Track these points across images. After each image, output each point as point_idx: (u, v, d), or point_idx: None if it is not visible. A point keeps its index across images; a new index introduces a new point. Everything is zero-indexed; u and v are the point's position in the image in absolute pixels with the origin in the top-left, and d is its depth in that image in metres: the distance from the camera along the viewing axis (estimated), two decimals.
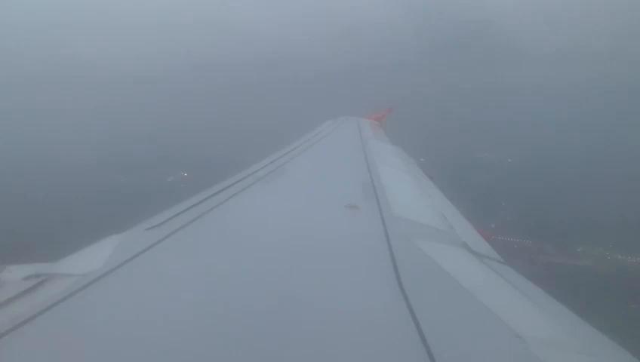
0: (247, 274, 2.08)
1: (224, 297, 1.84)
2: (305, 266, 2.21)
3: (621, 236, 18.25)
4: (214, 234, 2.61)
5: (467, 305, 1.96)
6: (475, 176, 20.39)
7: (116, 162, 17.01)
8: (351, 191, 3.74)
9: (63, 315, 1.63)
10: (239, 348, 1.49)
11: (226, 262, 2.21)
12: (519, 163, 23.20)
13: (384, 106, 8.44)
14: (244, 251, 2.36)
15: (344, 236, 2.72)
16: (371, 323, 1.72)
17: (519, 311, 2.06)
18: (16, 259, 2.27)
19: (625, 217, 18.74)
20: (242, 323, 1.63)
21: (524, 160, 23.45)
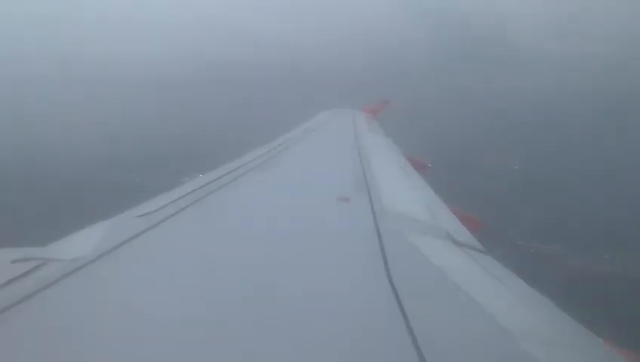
0: (235, 264, 2.09)
1: (211, 287, 1.85)
2: (295, 256, 2.23)
3: None
4: (204, 224, 2.63)
5: (455, 298, 1.98)
6: (485, 180, 20.03)
7: (130, 161, 17.17)
8: (343, 183, 3.77)
9: (49, 301, 1.65)
10: (226, 338, 1.50)
11: (215, 252, 2.23)
12: (530, 168, 22.74)
13: (385, 100, 8.40)
14: (233, 242, 2.38)
15: (335, 228, 2.75)
16: (359, 314, 1.72)
17: (504, 303, 2.10)
18: (8, 244, 2.27)
19: None
20: (229, 314, 1.64)
21: (534, 165, 22.97)
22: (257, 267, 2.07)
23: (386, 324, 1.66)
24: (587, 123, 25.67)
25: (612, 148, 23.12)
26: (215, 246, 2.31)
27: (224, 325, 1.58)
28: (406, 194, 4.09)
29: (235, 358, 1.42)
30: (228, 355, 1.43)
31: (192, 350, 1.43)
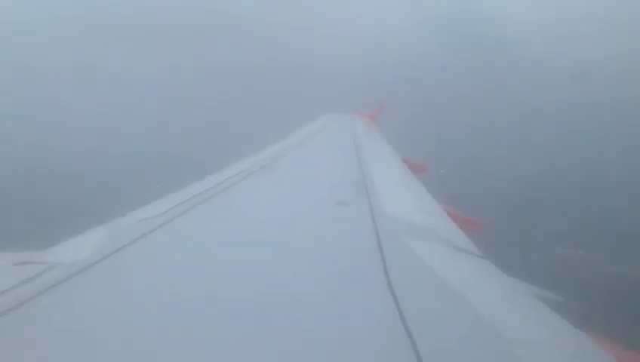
0: (234, 268, 2.10)
1: (211, 291, 1.86)
2: (294, 261, 2.24)
3: None
4: (203, 229, 2.64)
5: (454, 303, 1.98)
6: (501, 187, 19.96)
7: (131, 164, 17.03)
8: (342, 188, 3.76)
9: (48, 305, 1.66)
10: (224, 342, 1.50)
11: (214, 257, 2.24)
12: (545, 174, 22.63)
13: (382, 104, 8.43)
14: (232, 246, 2.39)
15: (334, 233, 2.74)
16: (358, 319, 1.73)
17: (503, 309, 2.11)
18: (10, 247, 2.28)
19: None
20: (228, 317, 1.65)
21: (549, 171, 22.87)
22: (256, 272, 2.08)
23: (384, 330, 1.66)
24: (607, 126, 25.42)
25: (635, 150, 22.76)
26: (214, 251, 2.32)
27: (223, 328, 1.59)
28: (405, 198, 4.09)
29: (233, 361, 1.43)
30: (226, 358, 1.44)
31: (193, 354, 1.44)
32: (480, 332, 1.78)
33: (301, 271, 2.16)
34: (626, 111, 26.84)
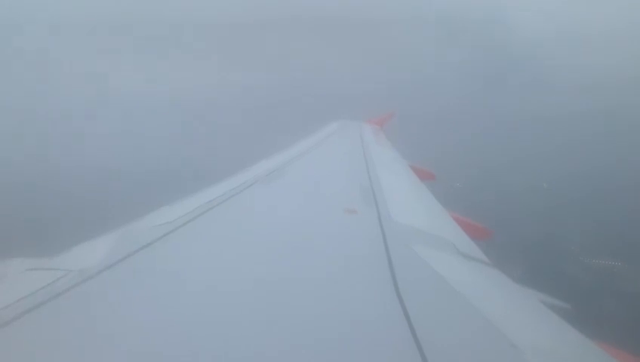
0: (244, 275, 2.11)
1: (221, 297, 1.88)
2: (303, 268, 2.25)
3: None
4: (213, 234, 2.66)
5: (463, 312, 1.98)
6: (522, 199, 19.70)
7: (140, 172, 16.98)
8: (350, 195, 3.78)
9: (61, 310, 1.68)
10: (234, 348, 1.52)
11: (224, 263, 2.26)
12: (559, 186, 22.24)
13: (391, 112, 8.47)
14: (241, 253, 2.40)
15: (342, 240, 2.75)
16: (367, 327, 1.74)
17: (511, 316, 2.11)
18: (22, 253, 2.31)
19: None
20: (238, 324, 1.66)
21: (564, 183, 22.45)
22: (266, 278, 2.10)
23: (393, 337, 1.67)
24: (625, 136, 25.03)
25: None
26: (224, 257, 2.35)
27: (235, 332, 1.61)
28: (413, 206, 4.10)
29: None
30: (239, 360, 1.46)
31: (205, 357, 1.45)
32: (486, 338, 1.79)
33: (310, 277, 2.17)
34: None
